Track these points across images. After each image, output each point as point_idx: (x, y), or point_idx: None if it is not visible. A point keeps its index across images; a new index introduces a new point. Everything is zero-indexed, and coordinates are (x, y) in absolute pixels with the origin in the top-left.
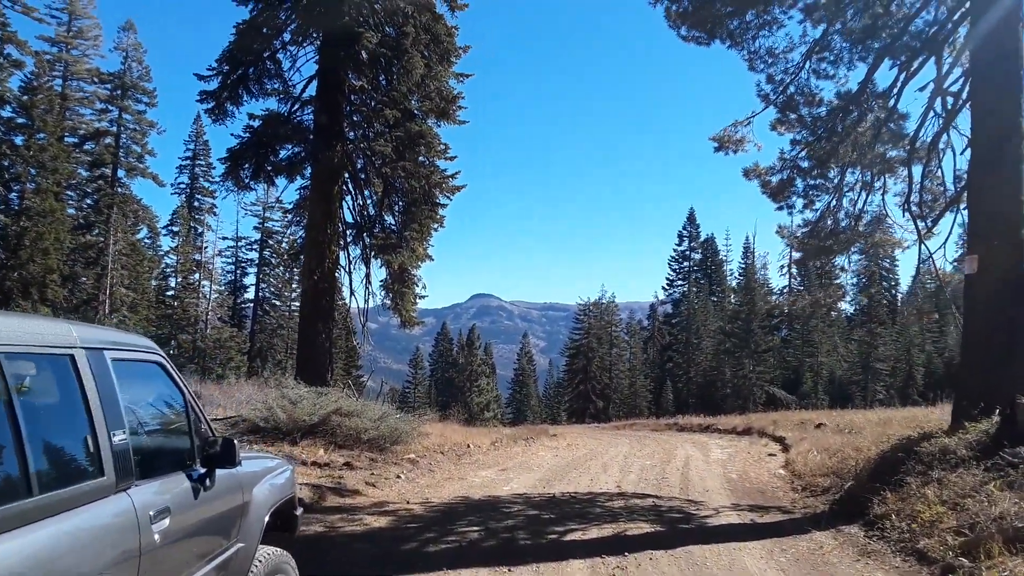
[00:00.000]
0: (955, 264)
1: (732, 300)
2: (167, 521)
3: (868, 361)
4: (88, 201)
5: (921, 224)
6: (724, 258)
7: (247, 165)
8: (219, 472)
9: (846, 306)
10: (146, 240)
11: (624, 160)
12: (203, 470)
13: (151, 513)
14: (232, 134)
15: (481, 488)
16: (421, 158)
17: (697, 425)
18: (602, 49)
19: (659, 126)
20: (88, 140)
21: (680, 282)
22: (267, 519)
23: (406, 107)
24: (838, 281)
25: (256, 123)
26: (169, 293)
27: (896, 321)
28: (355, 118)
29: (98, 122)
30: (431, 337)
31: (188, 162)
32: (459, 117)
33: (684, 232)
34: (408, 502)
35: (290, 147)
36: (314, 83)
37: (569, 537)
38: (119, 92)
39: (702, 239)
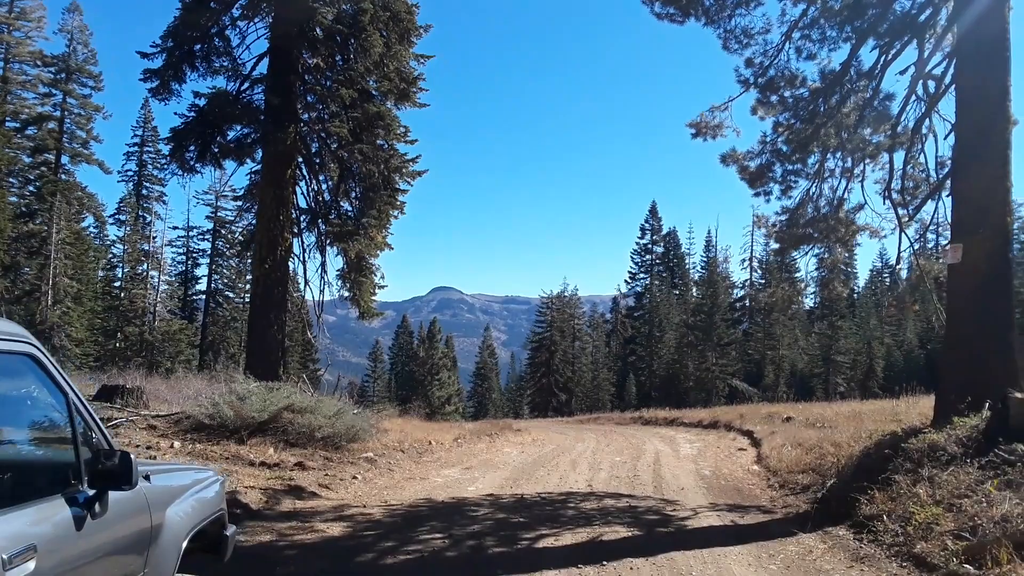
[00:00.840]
0: (936, 254)
1: (694, 293)
2: (31, 564)
3: (829, 354)
4: (30, 188)
5: (902, 212)
6: (686, 251)
7: (192, 146)
8: (119, 493)
9: (807, 300)
10: (92, 229)
11: (587, 151)
12: (91, 492)
13: (3, 557)
14: (176, 113)
15: (444, 489)
16: (380, 141)
17: (662, 419)
18: (569, 36)
19: (624, 117)
20: (30, 125)
21: (642, 275)
22: (184, 544)
23: (363, 87)
24: (799, 275)
25: (202, 102)
26: (116, 284)
27: (855, 314)
28: (309, 99)
29: (41, 106)
30: (391, 330)
31: (136, 149)
32: (420, 99)
33: (646, 225)
34: (365, 506)
35: (239, 128)
36: (265, 61)
37: (541, 544)
38: (63, 75)
39: (664, 232)
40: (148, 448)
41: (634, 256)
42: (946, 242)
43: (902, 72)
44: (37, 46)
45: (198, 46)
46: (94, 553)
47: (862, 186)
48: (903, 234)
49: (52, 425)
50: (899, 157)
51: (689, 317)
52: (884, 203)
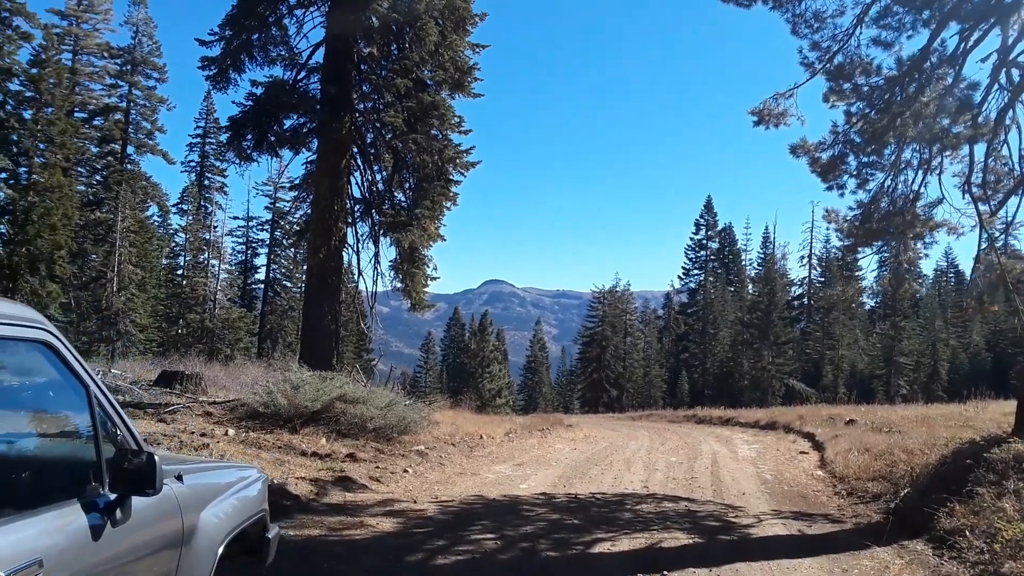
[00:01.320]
0: (1021, 252)
1: (750, 290)
2: None
3: (891, 355)
4: (97, 177)
5: (983, 207)
6: (743, 247)
7: (249, 135)
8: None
9: (868, 299)
10: (156, 218)
11: (640, 145)
12: (112, 496)
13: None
14: (234, 102)
15: (496, 486)
16: (434, 131)
17: (717, 418)
18: (625, 27)
19: (680, 110)
20: (97, 115)
21: (696, 271)
22: (221, 550)
23: (418, 77)
24: (866, 272)
25: (259, 90)
26: (179, 272)
27: (919, 314)
28: (364, 88)
29: (108, 97)
30: (443, 322)
31: (198, 140)
32: (474, 89)
33: (701, 220)
34: (416, 501)
35: (295, 117)
36: (321, 50)
37: (597, 548)
38: (129, 67)
39: (719, 228)
40: (203, 435)
41: (688, 252)
42: None
43: (983, 60)
44: (104, 38)
45: (256, 35)
46: (113, 562)
47: (939, 180)
48: (983, 230)
49: (70, 420)
50: (979, 149)
51: (745, 315)
52: (964, 198)
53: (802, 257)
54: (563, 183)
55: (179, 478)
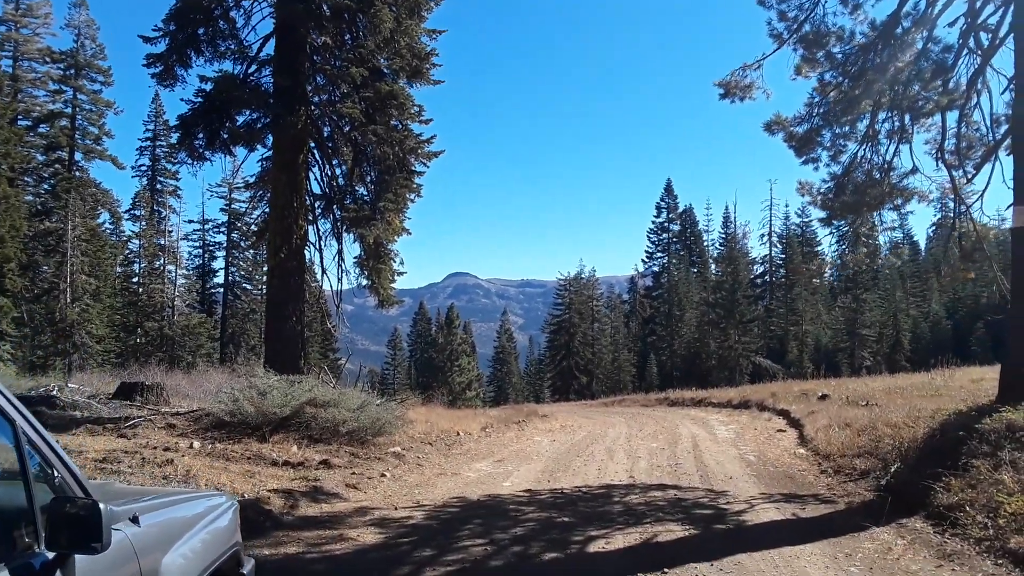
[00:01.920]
0: (995, 218)
1: (714, 271)
2: None
3: (854, 328)
4: (45, 186)
5: (957, 174)
6: (704, 228)
7: (200, 133)
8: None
9: (827, 273)
10: (108, 226)
11: (598, 131)
12: (50, 556)
13: None
14: (183, 99)
15: (478, 485)
16: (394, 121)
17: (689, 399)
18: (587, 8)
19: (639, 95)
20: (42, 122)
21: (660, 254)
22: None
23: (375, 65)
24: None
25: (208, 86)
26: (134, 280)
27: (879, 286)
28: (319, 80)
29: (52, 104)
30: (408, 318)
31: (149, 143)
32: (433, 76)
33: (662, 203)
34: (396, 507)
35: (248, 112)
36: (272, 42)
37: (592, 548)
38: (73, 71)
39: (680, 210)
40: (166, 449)
41: (650, 235)
42: (1007, 205)
43: (951, 24)
44: (45, 42)
45: (202, 29)
46: None
47: (910, 149)
48: (957, 198)
49: None
50: (951, 117)
51: (709, 295)
52: (937, 166)
53: (762, 235)
54: (522, 171)
55: (134, 520)
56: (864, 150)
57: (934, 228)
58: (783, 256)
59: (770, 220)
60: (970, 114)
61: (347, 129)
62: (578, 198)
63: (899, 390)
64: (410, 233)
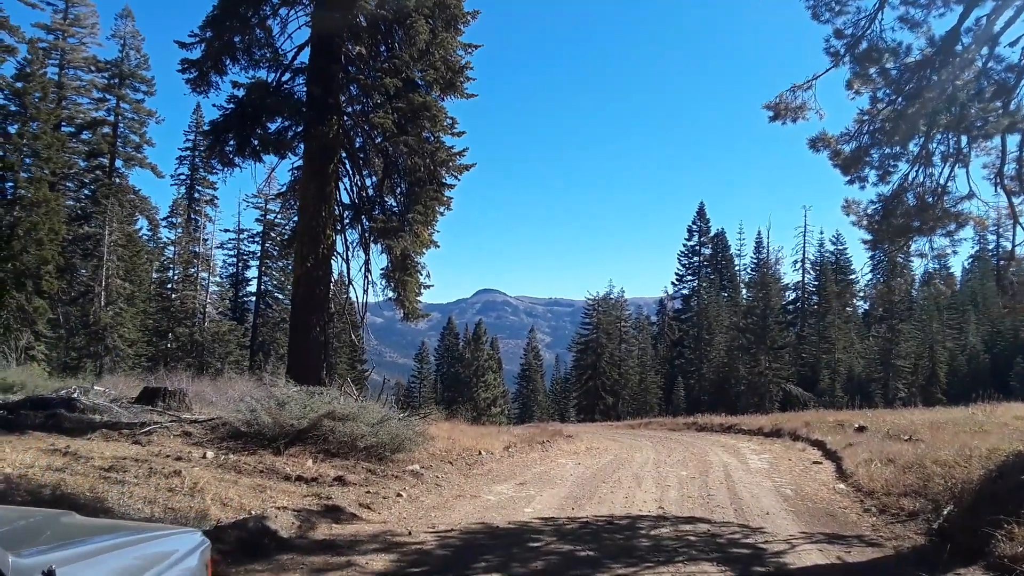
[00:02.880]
0: None
1: (744, 295)
2: None
3: (888, 358)
4: (86, 191)
5: (1017, 200)
6: (736, 253)
7: (231, 140)
8: None
9: (860, 302)
10: (145, 232)
11: (633, 151)
12: None
13: None
14: (214, 105)
15: (499, 510)
16: (425, 133)
17: (718, 425)
18: (619, 33)
19: (673, 117)
20: (85, 129)
21: (690, 277)
22: None
23: (408, 77)
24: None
25: (240, 92)
26: (168, 286)
27: (915, 316)
28: (352, 89)
29: (95, 111)
30: (437, 332)
31: (188, 152)
32: (467, 90)
33: (694, 226)
34: (411, 532)
35: (279, 120)
36: (307, 51)
37: None
38: (117, 80)
39: (712, 233)
40: (178, 458)
41: (681, 258)
42: None
43: (1012, 44)
44: (91, 52)
45: (238, 37)
46: None
47: (967, 172)
48: (1017, 225)
49: None
50: (1012, 140)
51: (740, 320)
52: (995, 191)
53: (795, 262)
54: (554, 190)
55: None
56: (916, 172)
57: (972, 260)
58: (816, 283)
59: (803, 246)
60: None
61: (378, 140)
62: (609, 219)
63: (940, 425)
64: (438, 246)
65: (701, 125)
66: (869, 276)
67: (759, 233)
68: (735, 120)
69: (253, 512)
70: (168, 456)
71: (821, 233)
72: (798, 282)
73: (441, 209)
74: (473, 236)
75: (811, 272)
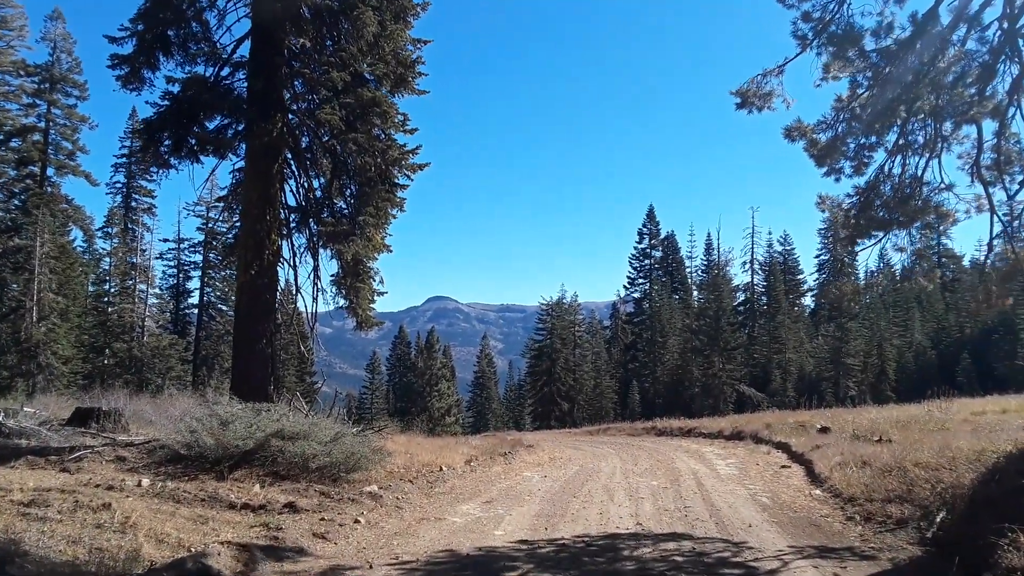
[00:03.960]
0: None
1: (696, 297)
2: None
3: (838, 357)
4: (15, 202)
5: (993, 191)
6: (687, 255)
7: (166, 139)
8: None
9: (808, 300)
10: (80, 244)
11: (581, 155)
12: None
13: None
14: (147, 102)
15: (466, 534)
16: (376, 131)
17: (677, 429)
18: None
19: (623, 120)
20: (14, 136)
21: (641, 280)
22: None
23: (357, 71)
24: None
25: (176, 88)
26: (105, 299)
27: (863, 315)
28: (297, 85)
29: (25, 117)
30: (388, 341)
31: (124, 159)
32: (418, 85)
33: (644, 229)
34: (371, 565)
35: (219, 118)
36: (247, 44)
37: None
38: (47, 85)
39: (663, 236)
40: (109, 488)
41: (632, 261)
42: None
43: (983, 28)
44: (19, 55)
45: (172, 30)
46: None
47: (940, 163)
48: (994, 216)
49: None
50: (988, 128)
51: (693, 322)
52: (971, 182)
53: (744, 263)
54: (504, 196)
55: None
56: (892, 162)
57: (914, 258)
58: (765, 284)
59: (752, 247)
60: (1008, 126)
61: (326, 138)
62: (560, 223)
63: (904, 424)
64: (391, 250)
65: (651, 128)
66: (815, 275)
67: (709, 235)
68: (686, 123)
69: (193, 549)
70: (98, 486)
71: (769, 234)
72: (747, 283)
73: (394, 211)
74: (423, 242)
75: (760, 273)
